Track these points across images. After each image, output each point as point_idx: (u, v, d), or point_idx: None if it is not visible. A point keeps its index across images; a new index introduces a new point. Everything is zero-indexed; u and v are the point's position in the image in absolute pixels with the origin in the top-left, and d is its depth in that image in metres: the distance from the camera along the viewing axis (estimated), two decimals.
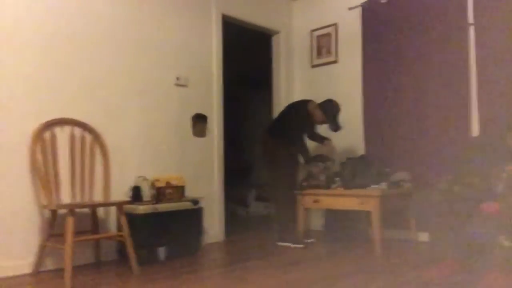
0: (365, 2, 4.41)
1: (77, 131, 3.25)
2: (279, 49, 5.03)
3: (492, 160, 3.14)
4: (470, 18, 3.76)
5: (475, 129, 3.70)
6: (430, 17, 3.95)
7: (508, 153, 3.07)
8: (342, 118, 3.99)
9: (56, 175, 3.08)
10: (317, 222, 4.77)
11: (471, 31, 3.75)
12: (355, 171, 3.76)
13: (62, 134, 3.18)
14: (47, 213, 3.03)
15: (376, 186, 3.67)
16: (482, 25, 3.67)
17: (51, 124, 3.10)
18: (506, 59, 3.53)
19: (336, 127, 3.91)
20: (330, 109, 3.91)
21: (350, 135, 4.42)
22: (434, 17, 3.93)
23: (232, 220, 5.35)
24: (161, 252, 3.27)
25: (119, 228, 3.07)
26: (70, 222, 2.69)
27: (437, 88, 3.89)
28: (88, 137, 3.30)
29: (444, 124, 3.83)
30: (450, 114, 3.80)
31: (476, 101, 3.69)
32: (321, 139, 4.11)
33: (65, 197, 3.16)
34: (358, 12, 4.50)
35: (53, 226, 2.95)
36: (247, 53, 6.37)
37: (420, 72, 4.00)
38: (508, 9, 3.53)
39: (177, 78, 3.93)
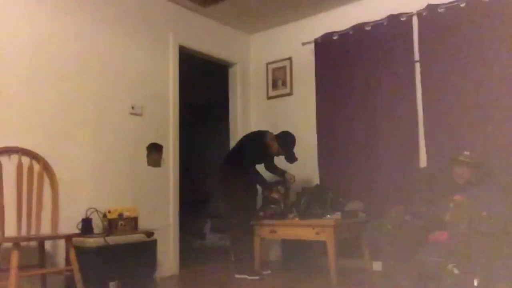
0: (318, 37, 4.59)
1: (25, 160, 3.12)
2: (236, 80, 5.10)
3: (439, 190, 3.28)
4: (416, 55, 3.98)
5: (423, 160, 3.86)
6: (379, 53, 4.16)
7: (453, 184, 3.22)
8: (297, 148, 4.06)
9: (0, 206, 2.92)
10: (274, 253, 4.76)
11: (417, 68, 3.97)
12: (310, 200, 3.82)
13: (9, 163, 3.04)
14: None
15: (331, 216, 3.72)
16: (427, 62, 3.90)
17: None
18: (449, 94, 3.74)
19: (292, 159, 3.98)
20: (286, 141, 3.98)
21: (305, 165, 4.49)
22: (383, 53, 4.14)
23: (187, 252, 5.23)
24: (113, 286, 3.13)
25: (68, 262, 2.93)
26: (15, 256, 2.55)
27: (387, 120, 4.05)
28: (37, 167, 3.17)
29: (394, 155, 3.98)
30: (400, 145, 3.96)
31: (423, 133, 3.87)
32: (280, 173, 4.14)
33: (11, 229, 2.99)
34: (311, 47, 4.67)
35: None
36: (204, 84, 6.40)
37: (371, 104, 4.16)
38: (449, 47, 3.78)
39: (132, 107, 3.88)
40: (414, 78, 3.97)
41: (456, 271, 2.57)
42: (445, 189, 3.24)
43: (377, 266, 3.91)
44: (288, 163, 4.07)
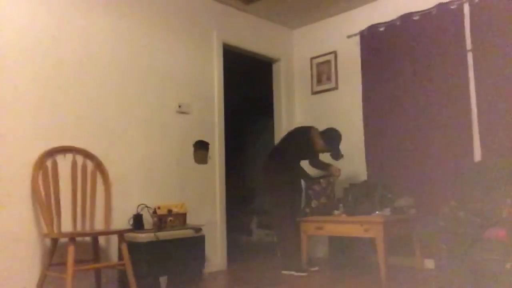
0: (364, 30, 4.48)
1: (79, 158, 3.25)
2: (280, 76, 5.08)
3: (495, 186, 3.14)
4: (468, 44, 3.81)
5: (477, 154, 3.69)
6: (428, 43, 4.01)
7: (511, 178, 3.06)
8: (344, 143, 3.99)
9: (57, 203, 3.06)
10: (321, 249, 4.72)
11: (470, 57, 3.79)
12: (358, 197, 3.74)
13: (64, 162, 3.18)
14: (48, 242, 3.00)
15: (380, 212, 3.64)
16: (480, 52, 3.72)
17: (53, 152, 3.10)
18: (504, 84, 3.56)
19: (337, 156, 3.92)
20: (331, 138, 3.92)
21: (352, 161, 4.41)
22: (433, 44, 3.98)
23: (235, 248, 5.28)
24: (163, 281, 3.21)
25: (120, 256, 3.03)
26: (71, 251, 2.66)
27: (439, 113, 3.91)
28: (90, 165, 3.29)
29: (447, 149, 3.83)
30: (452, 138, 3.81)
31: (477, 126, 3.70)
32: (325, 167, 4.09)
33: (66, 225, 3.13)
34: (356, 40, 4.57)
35: (54, 255, 2.92)
36: (249, 80, 6.44)
37: (421, 97, 4.03)
38: (503, 36, 3.58)
39: (179, 106, 3.95)
40: (466, 69, 3.80)
41: None
42: (501, 183, 3.09)
43: (428, 264, 3.80)
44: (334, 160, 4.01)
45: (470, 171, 3.51)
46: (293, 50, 5.25)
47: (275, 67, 5.14)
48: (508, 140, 3.48)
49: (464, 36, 3.83)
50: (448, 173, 3.79)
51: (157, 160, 3.76)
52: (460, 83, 3.81)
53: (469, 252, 2.79)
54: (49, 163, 3.08)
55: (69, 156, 3.21)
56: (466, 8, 3.83)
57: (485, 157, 3.61)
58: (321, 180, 3.93)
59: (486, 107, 3.65)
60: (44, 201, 2.96)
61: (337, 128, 4.00)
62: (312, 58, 5.04)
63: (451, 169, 3.77)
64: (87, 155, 3.28)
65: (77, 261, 2.88)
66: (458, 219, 2.81)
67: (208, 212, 4.11)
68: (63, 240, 3.02)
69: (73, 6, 3.34)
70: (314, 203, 3.89)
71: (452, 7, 3.89)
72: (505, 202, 2.74)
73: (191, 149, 4.04)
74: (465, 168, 3.62)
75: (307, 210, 3.93)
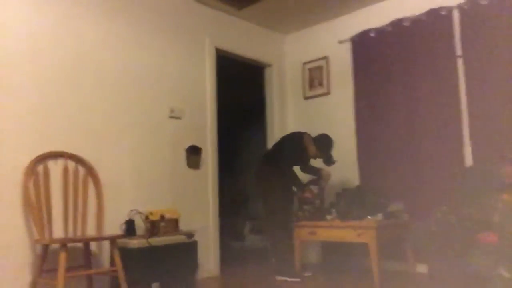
0: (355, 35, 4.52)
1: (71, 164, 3.22)
2: (272, 81, 5.09)
3: (486, 190, 3.16)
4: (458, 50, 3.85)
5: (468, 159, 3.72)
6: (419, 49, 4.04)
7: (501, 182, 3.09)
8: (336, 148, 4.01)
9: (48, 209, 3.03)
10: (314, 255, 4.71)
11: (460, 63, 3.83)
12: (351, 202, 3.75)
13: (56, 168, 3.15)
14: (39, 248, 2.97)
15: (372, 217, 3.65)
16: (470, 57, 3.76)
17: (44, 158, 3.08)
18: (494, 89, 3.59)
19: (330, 162, 3.93)
20: (324, 144, 3.94)
21: (344, 166, 4.42)
22: (423, 49, 4.02)
23: (227, 253, 5.26)
24: (155, 287, 3.19)
25: (112, 263, 3.01)
26: (62, 257, 2.63)
27: (430, 119, 3.93)
28: (82, 170, 3.27)
29: (438, 154, 3.85)
30: (444, 143, 3.83)
31: (468, 131, 3.73)
32: (316, 171, 4.09)
33: (58, 231, 3.10)
34: (348, 45, 4.60)
35: (45, 262, 2.88)
36: (241, 85, 6.44)
37: (412, 102, 4.05)
38: (492, 41, 3.63)
39: (172, 111, 3.94)
40: (457, 74, 3.84)
41: (507, 274, 2.46)
42: (492, 188, 3.12)
43: (421, 268, 3.82)
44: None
45: (461, 176, 3.54)
46: (285, 55, 5.26)
47: (267, 72, 5.15)
48: (498, 145, 3.51)
49: (454, 42, 3.87)
50: (439, 178, 3.82)
51: (149, 165, 3.75)
52: (450, 89, 3.85)
53: (461, 256, 2.80)
54: (40, 168, 3.05)
55: (61, 162, 3.18)
56: (456, 14, 3.87)
57: (476, 162, 3.64)
58: (312, 187, 3.94)
59: (477, 112, 3.68)
60: (36, 207, 2.93)
61: (329, 134, 4.01)
62: (304, 63, 5.06)
63: (443, 174, 3.80)
64: (78, 160, 3.25)
65: (69, 268, 2.85)
66: (450, 224, 2.83)
67: (201, 217, 4.10)
68: (54, 246, 2.98)
69: (67, 12, 3.33)
70: (307, 207, 3.90)
71: (442, 13, 3.93)
72: (496, 207, 2.76)
73: (184, 154, 4.03)
74: (456, 173, 3.65)
75: (300, 213, 3.93)
